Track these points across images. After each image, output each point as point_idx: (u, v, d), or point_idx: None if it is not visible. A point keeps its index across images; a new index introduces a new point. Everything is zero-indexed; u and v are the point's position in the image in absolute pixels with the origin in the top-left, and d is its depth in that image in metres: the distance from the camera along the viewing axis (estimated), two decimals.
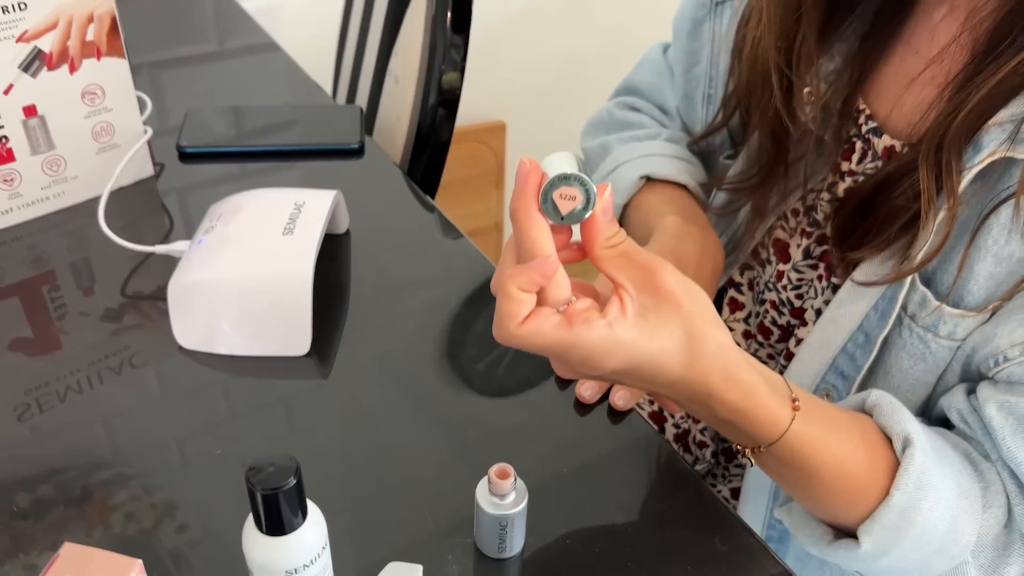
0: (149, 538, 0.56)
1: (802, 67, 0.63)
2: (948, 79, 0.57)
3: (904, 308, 0.58)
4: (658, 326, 0.47)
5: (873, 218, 0.61)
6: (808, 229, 0.69)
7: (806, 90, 0.64)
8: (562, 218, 0.45)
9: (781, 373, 0.73)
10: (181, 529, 0.56)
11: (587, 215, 0.45)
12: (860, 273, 0.61)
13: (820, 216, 0.68)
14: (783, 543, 0.71)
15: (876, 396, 0.56)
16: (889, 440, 0.54)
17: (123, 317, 0.71)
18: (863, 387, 0.62)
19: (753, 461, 0.53)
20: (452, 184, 1.51)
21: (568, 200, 0.44)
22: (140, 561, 0.42)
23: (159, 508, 0.57)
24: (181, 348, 0.67)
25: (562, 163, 0.46)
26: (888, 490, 0.52)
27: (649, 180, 0.76)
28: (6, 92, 0.72)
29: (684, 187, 0.76)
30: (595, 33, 1.82)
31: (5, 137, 0.73)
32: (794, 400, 0.52)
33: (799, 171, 0.68)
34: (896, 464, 0.53)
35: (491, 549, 0.53)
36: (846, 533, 0.55)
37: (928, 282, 0.57)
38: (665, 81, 0.85)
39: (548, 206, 0.44)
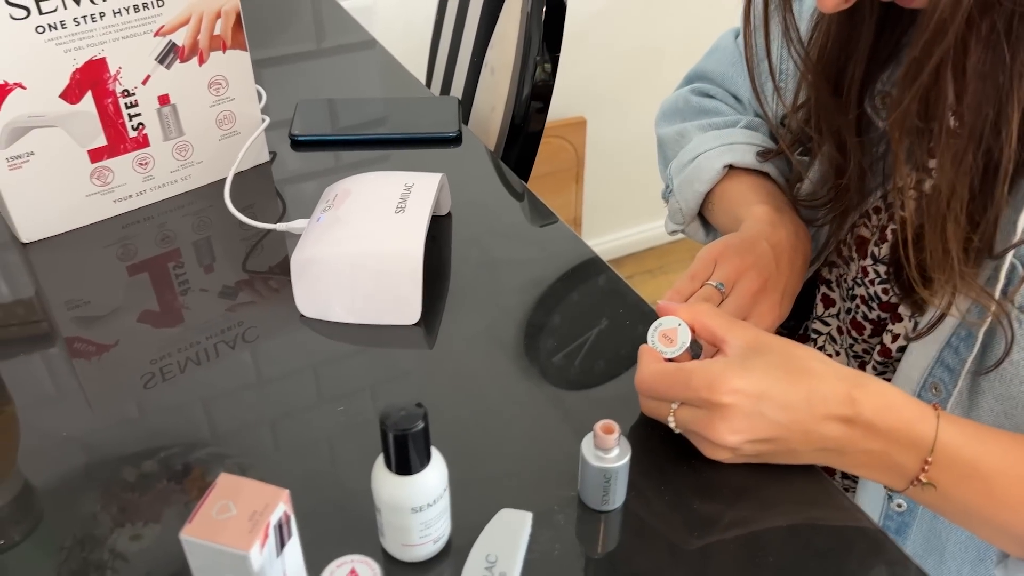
0: None
1: (873, 77, 0.64)
2: None
3: (1011, 301, 0.58)
4: (764, 353, 0.54)
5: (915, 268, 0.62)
6: (894, 226, 0.69)
7: (878, 96, 0.65)
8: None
9: (875, 368, 0.74)
10: None
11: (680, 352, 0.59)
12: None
13: (905, 212, 0.69)
14: (901, 535, 0.71)
15: None
16: None
17: (238, 294, 0.76)
18: (972, 381, 0.63)
19: (936, 484, 0.54)
20: (533, 178, 1.55)
21: (668, 340, 0.60)
22: (288, 491, 0.47)
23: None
24: (302, 317, 0.73)
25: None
26: None
27: (732, 168, 0.78)
28: (144, 83, 0.78)
29: (766, 175, 0.78)
30: (676, 31, 1.84)
31: (142, 124, 0.80)
32: (933, 405, 0.54)
33: (878, 171, 0.69)
34: None
35: (595, 501, 0.56)
36: None
37: None
38: (738, 70, 0.86)
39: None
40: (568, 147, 1.88)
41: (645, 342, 0.60)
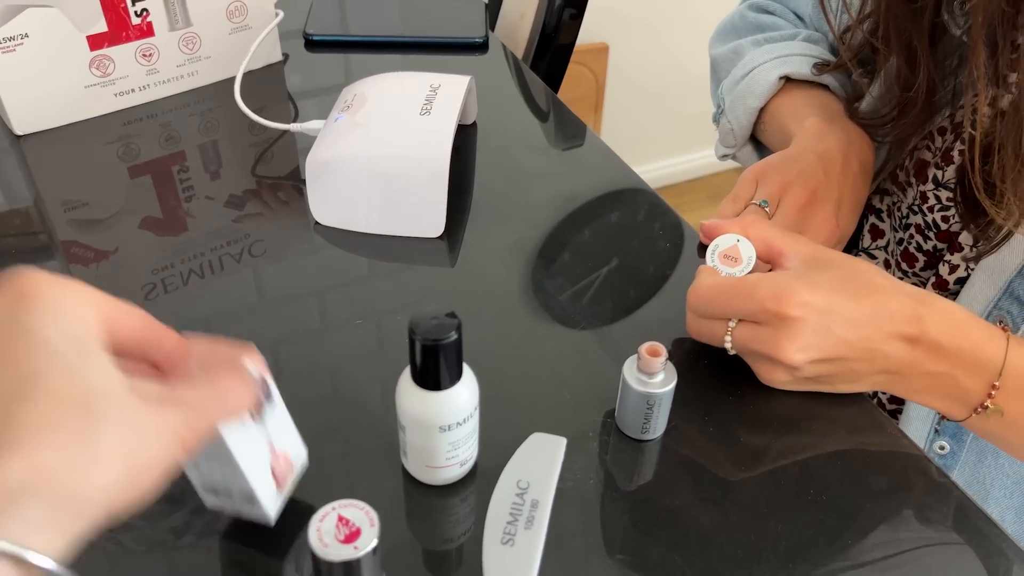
0: None
1: None
2: None
3: None
4: (827, 268, 0.51)
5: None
6: (962, 147, 0.64)
7: (957, 1, 0.60)
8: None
9: None
10: None
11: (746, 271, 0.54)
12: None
13: (977, 132, 0.63)
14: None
15: None
16: None
17: (245, 204, 0.71)
18: None
19: (1003, 411, 0.51)
20: None
21: (731, 259, 0.55)
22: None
23: None
24: (316, 225, 0.67)
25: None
26: None
27: (788, 81, 0.73)
28: None
29: (825, 88, 0.72)
30: None
31: (146, 10, 0.74)
32: (1003, 327, 0.51)
33: (948, 87, 0.63)
34: None
35: (634, 429, 0.52)
36: None
37: None
38: None
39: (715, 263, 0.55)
40: (588, 74, 1.80)
41: (689, 259, 0.55)
